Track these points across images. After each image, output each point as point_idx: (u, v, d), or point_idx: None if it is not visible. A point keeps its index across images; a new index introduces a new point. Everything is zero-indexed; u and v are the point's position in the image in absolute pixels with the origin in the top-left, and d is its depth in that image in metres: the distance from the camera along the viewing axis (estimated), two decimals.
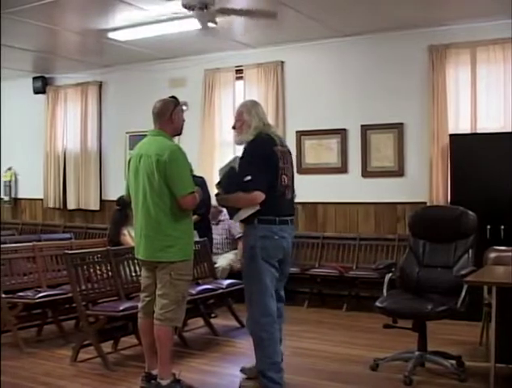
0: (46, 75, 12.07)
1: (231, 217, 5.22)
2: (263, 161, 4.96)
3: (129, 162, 5.15)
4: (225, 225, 9.17)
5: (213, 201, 8.68)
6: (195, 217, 7.82)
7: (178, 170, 4.87)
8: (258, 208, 4.90)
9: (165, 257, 4.92)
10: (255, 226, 4.94)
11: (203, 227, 8.04)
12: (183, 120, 5.19)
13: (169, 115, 5.04)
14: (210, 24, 7.40)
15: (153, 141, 5.03)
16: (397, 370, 5.48)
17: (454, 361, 5.57)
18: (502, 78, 8.14)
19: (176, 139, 5.23)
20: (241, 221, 5.08)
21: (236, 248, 9.00)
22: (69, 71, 11.56)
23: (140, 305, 5.22)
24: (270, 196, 4.90)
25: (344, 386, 5.31)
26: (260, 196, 4.86)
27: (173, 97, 5.17)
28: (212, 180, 8.94)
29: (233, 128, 5.27)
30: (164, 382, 4.94)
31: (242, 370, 5.47)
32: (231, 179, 5.00)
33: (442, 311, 5.28)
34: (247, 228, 5.04)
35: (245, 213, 4.96)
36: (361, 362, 5.87)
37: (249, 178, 4.84)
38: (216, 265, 8.46)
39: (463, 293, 5.31)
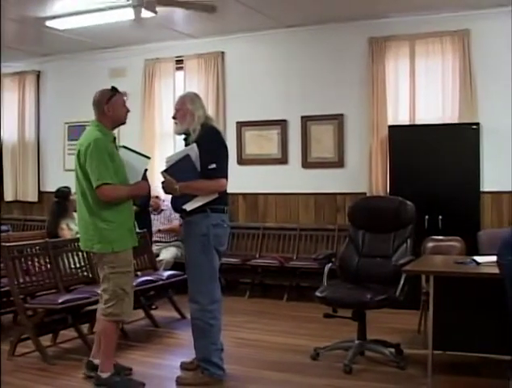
0: None
1: (179, 205, 5.14)
2: (223, 149, 5.19)
3: None
4: (166, 214, 9.15)
5: (153, 192, 8.67)
6: (133, 208, 7.78)
7: (92, 161, 4.79)
8: (216, 196, 5.00)
9: (95, 248, 4.93)
10: (208, 215, 5.02)
11: (143, 218, 7.99)
12: (127, 110, 5.15)
13: (102, 110, 4.99)
14: (150, 14, 7.35)
15: (87, 131, 5.03)
16: (337, 359, 5.53)
17: (393, 349, 5.66)
18: (440, 71, 8.27)
19: (116, 130, 5.17)
20: (189, 211, 5.04)
21: (178, 240, 8.92)
22: (6, 60, 11.25)
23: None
24: None
25: (285, 376, 5.34)
26: (225, 183, 5.08)
27: (113, 87, 5.11)
28: (154, 170, 8.92)
29: (174, 118, 5.26)
30: (104, 375, 4.92)
31: (181, 365, 5.48)
32: (187, 166, 4.97)
33: (382, 300, 5.36)
34: (196, 216, 5.04)
35: (200, 201, 4.98)
36: (302, 351, 5.91)
37: (213, 166, 4.96)
38: (159, 258, 8.44)
39: (402, 282, 5.40)
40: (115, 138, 5.14)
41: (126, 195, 5.00)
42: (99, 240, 4.88)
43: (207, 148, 4.98)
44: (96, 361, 5.11)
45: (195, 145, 4.99)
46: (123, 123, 5.22)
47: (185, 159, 4.99)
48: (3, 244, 6.09)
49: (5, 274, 6.11)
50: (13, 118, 11.57)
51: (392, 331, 6.59)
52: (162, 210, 9.17)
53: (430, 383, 4.97)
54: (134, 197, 5.21)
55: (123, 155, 5.16)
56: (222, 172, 5.06)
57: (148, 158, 5.35)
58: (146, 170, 5.28)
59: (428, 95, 8.34)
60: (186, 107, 5.16)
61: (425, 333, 5.92)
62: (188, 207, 5.01)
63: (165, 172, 5.05)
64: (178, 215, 8.62)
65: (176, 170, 5.01)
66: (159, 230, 8.90)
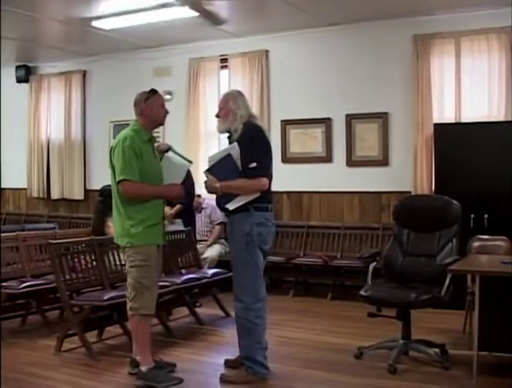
0: (29, 64, 12.00)
1: (222, 205, 5.17)
2: (265, 148, 5.14)
3: None
4: (206, 212, 9.20)
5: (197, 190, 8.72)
6: (178, 206, 7.85)
7: (117, 157, 4.91)
8: (257, 195, 4.98)
9: (119, 241, 5.06)
10: (251, 213, 5.01)
11: (187, 217, 8.04)
12: (166, 112, 5.23)
13: (140, 109, 5.10)
14: (194, 13, 7.43)
15: (122, 131, 5.13)
16: (381, 358, 5.50)
17: (437, 349, 5.60)
18: (486, 68, 8.17)
19: (161, 128, 5.25)
20: (232, 210, 5.06)
21: (221, 237, 8.98)
22: (53, 60, 11.49)
23: None
24: None
25: (329, 375, 5.32)
26: (267, 182, 5.04)
27: (152, 89, 5.20)
28: (198, 169, 8.98)
29: (217, 116, 5.27)
30: (143, 369, 5.02)
31: (225, 363, 5.49)
32: (229, 166, 4.99)
33: (426, 300, 5.30)
34: (239, 215, 5.05)
35: (242, 200, 4.98)
36: (345, 351, 5.88)
37: (254, 165, 4.94)
38: (204, 256, 8.48)
39: (447, 282, 5.34)
40: (151, 138, 5.20)
41: (149, 193, 5.03)
42: (122, 234, 5.00)
43: (248, 147, 4.97)
44: (138, 358, 5.17)
45: (236, 144, 5.00)
46: (162, 124, 5.35)
47: (226, 158, 5.00)
48: (50, 241, 6.18)
49: (52, 271, 6.20)
50: (59, 117, 11.76)
51: (437, 331, 6.53)
52: (203, 208, 9.20)
53: (475, 384, 4.92)
54: (163, 198, 5.21)
55: (169, 156, 5.23)
56: (263, 171, 5.02)
57: (191, 162, 5.41)
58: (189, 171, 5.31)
59: (474, 93, 8.24)
60: (228, 106, 5.16)
61: (470, 333, 5.85)
62: (230, 206, 5.02)
63: (207, 171, 5.08)
64: (219, 214, 8.72)
65: (218, 169, 5.03)
66: (208, 246, 8.91)
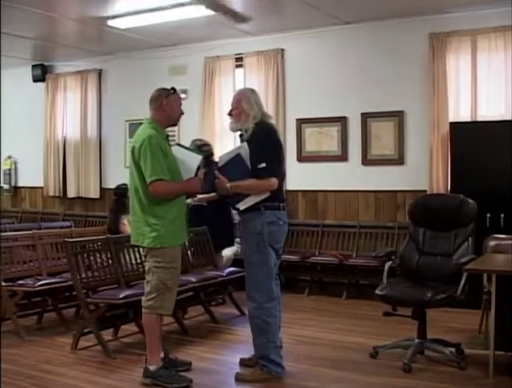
0: (45, 63, 12.05)
1: (234, 204, 5.19)
2: (274, 148, 5.12)
3: None
4: None
5: None
6: (213, 194, 7.72)
7: (145, 158, 4.87)
8: (267, 194, 4.98)
9: (140, 242, 5.04)
10: (262, 213, 5.01)
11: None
12: (181, 112, 5.23)
13: (159, 103, 5.10)
14: (210, 12, 7.44)
15: (140, 129, 5.12)
16: (397, 358, 5.49)
17: (453, 349, 5.58)
18: (503, 66, 8.11)
19: (176, 127, 5.25)
20: (243, 209, 5.06)
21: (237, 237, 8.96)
22: (69, 59, 11.54)
23: None
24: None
25: (344, 374, 5.31)
26: (276, 182, 5.01)
27: (172, 88, 5.21)
28: None
29: (229, 114, 5.27)
30: (151, 368, 5.04)
31: (240, 361, 5.50)
32: (239, 165, 5.00)
33: (442, 299, 5.29)
34: (250, 214, 5.06)
35: (252, 200, 4.99)
36: (361, 350, 5.88)
37: (263, 165, 4.93)
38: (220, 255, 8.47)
39: (463, 281, 5.32)
40: (167, 136, 5.20)
41: (177, 191, 5.06)
42: (149, 235, 4.95)
43: (258, 147, 4.97)
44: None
45: (245, 143, 5.01)
46: (175, 124, 5.36)
47: (236, 158, 5.01)
48: (66, 240, 6.21)
49: (68, 269, 6.23)
50: (75, 116, 11.80)
51: (453, 330, 6.52)
52: None
53: (492, 384, 4.91)
54: (185, 194, 5.22)
55: (176, 153, 5.23)
56: (272, 172, 4.99)
57: (201, 154, 5.41)
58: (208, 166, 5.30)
59: (490, 92, 8.19)
60: (241, 106, 5.14)
61: (486, 333, 5.83)
62: (241, 206, 5.04)
63: (217, 171, 5.10)
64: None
65: (228, 169, 5.05)
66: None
